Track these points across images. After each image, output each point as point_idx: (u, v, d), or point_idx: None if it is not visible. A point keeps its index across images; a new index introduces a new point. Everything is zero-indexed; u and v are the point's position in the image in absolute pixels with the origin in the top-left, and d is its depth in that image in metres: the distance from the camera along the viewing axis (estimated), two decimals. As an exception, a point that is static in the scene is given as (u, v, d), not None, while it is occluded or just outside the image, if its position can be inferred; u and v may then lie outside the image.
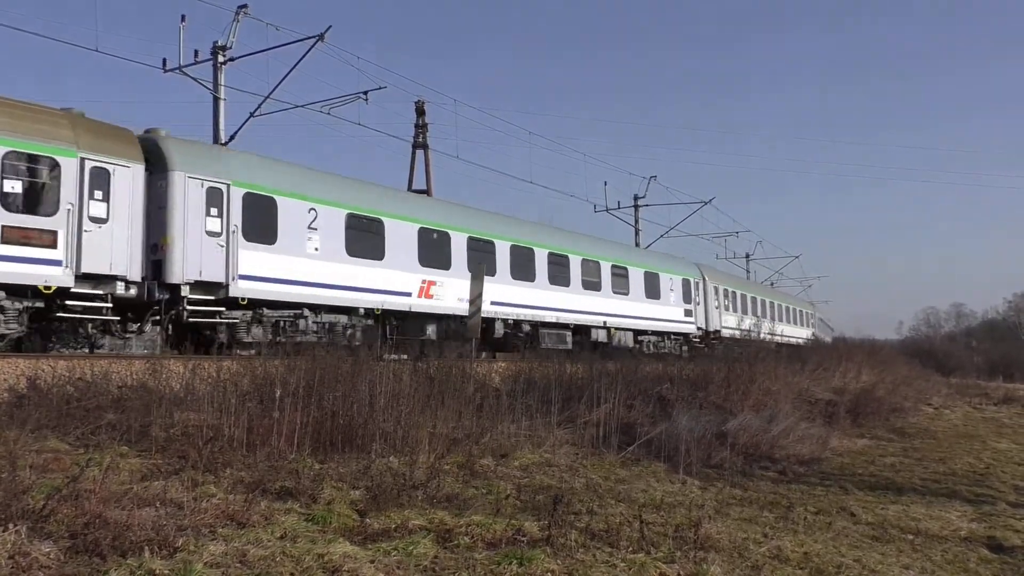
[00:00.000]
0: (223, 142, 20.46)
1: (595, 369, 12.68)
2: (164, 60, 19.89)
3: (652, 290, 28.23)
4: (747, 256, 57.71)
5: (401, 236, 18.12)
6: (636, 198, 39.18)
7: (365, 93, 21.43)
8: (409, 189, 28.77)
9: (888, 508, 8.61)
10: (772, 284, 58.17)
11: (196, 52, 20.13)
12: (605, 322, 24.87)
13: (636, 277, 27.30)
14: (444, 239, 19.28)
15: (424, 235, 18.70)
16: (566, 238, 24.88)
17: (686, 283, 30.94)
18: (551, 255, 22.85)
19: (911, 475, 11.13)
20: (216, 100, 20.57)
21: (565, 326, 23.05)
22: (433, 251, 18.88)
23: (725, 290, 35.38)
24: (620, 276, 26.29)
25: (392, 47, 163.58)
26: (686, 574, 5.38)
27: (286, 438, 7.62)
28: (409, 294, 18.09)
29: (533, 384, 11.94)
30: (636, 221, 39.22)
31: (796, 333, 44.52)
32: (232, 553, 4.82)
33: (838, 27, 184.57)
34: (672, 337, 29.88)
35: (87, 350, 13.48)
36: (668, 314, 29.24)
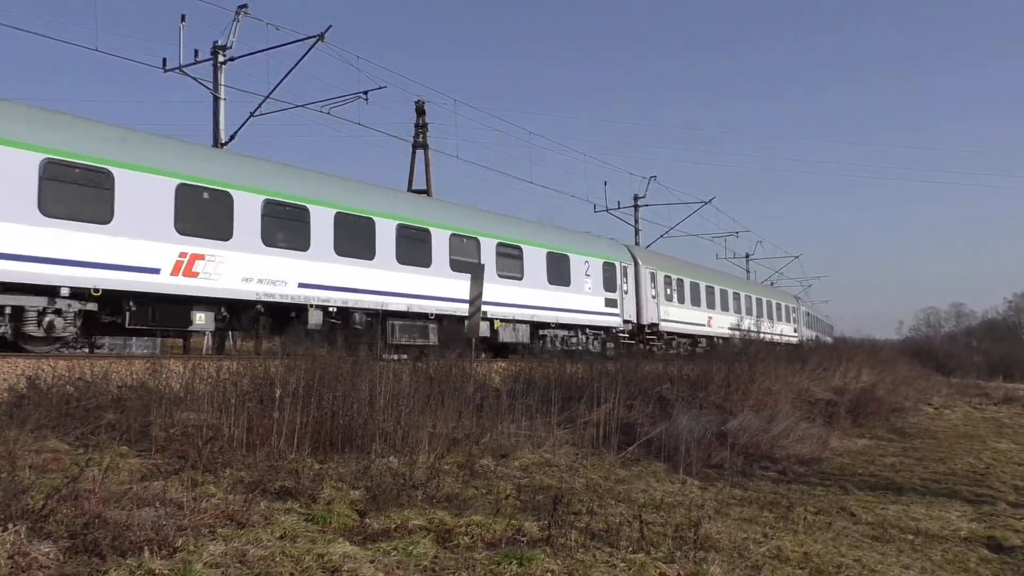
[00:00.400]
0: (223, 142, 20.51)
1: (595, 369, 12.68)
2: (164, 60, 20.07)
3: (558, 275, 23.44)
4: (747, 256, 57.95)
5: (144, 194, 13.88)
6: (636, 198, 39.38)
7: (365, 93, 21.58)
8: (409, 189, 28.48)
9: (888, 508, 8.61)
10: (772, 283, 58.22)
11: (196, 52, 20.30)
12: (487, 312, 19.86)
13: (534, 259, 22.50)
14: (224, 201, 15.20)
15: (187, 194, 14.52)
16: (428, 208, 20.61)
17: (608, 267, 25.86)
18: (402, 227, 18.49)
19: (911, 475, 11.13)
20: (216, 100, 20.64)
21: (424, 316, 18.89)
22: (204, 216, 14.82)
23: (667, 277, 29.90)
24: (510, 257, 21.69)
25: (392, 47, 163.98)
26: (686, 574, 5.38)
27: (286, 438, 7.62)
28: (156, 271, 13.99)
29: (533, 384, 11.94)
30: (636, 221, 39.39)
31: (773, 330, 39.17)
32: (232, 553, 4.81)
33: (838, 27, 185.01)
34: (588, 331, 25.05)
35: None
36: (581, 304, 24.41)
